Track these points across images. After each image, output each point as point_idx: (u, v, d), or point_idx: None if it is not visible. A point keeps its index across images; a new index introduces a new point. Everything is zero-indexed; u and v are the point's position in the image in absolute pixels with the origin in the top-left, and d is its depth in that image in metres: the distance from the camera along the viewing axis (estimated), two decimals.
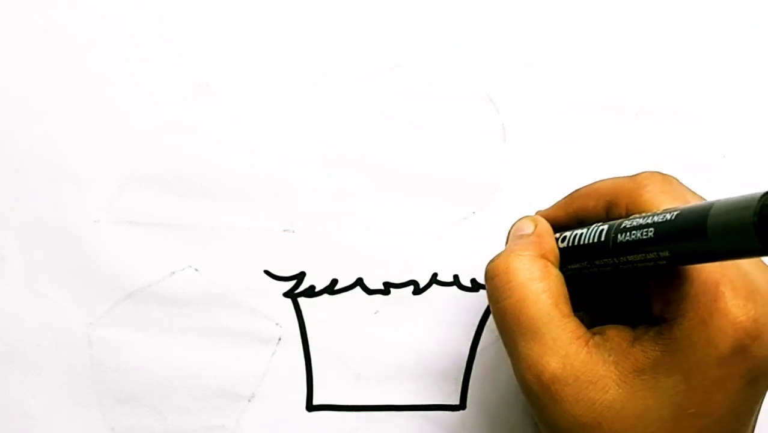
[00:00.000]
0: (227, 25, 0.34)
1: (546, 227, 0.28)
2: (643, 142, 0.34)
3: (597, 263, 0.25)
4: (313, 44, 0.34)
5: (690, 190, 0.26)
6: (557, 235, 0.28)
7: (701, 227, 0.20)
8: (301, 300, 0.34)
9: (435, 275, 0.34)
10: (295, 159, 0.34)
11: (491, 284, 0.26)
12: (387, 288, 0.34)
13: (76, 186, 0.33)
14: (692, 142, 0.34)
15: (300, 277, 0.33)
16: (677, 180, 0.26)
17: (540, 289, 0.25)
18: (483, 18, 0.34)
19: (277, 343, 0.33)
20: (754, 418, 0.25)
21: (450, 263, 0.34)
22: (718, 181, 0.34)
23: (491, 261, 0.26)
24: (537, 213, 0.30)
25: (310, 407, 0.33)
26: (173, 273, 0.33)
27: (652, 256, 0.23)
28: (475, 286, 0.34)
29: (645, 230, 0.23)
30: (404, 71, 0.34)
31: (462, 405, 0.34)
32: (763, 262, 0.25)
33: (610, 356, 0.24)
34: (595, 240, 0.25)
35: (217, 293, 0.33)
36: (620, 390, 0.24)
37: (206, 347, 0.33)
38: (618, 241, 0.24)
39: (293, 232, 0.34)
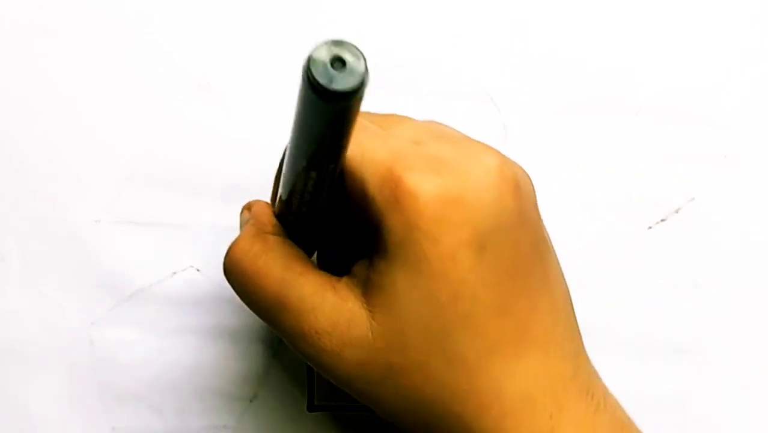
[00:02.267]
0: (227, 25, 0.34)
1: (260, 205, 0.27)
2: (643, 142, 0.34)
3: (294, 202, 0.24)
4: (313, 44, 0.34)
5: None
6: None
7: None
8: None
9: None
10: None
11: (229, 282, 0.26)
12: None
13: (76, 186, 0.33)
14: (692, 142, 0.34)
15: None
16: None
17: (266, 261, 0.24)
18: (483, 18, 0.34)
19: (279, 343, 0.33)
20: (533, 281, 0.23)
21: None
22: (718, 181, 0.34)
23: (223, 263, 0.26)
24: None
25: (312, 407, 0.33)
26: (175, 273, 0.33)
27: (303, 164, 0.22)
28: None
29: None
30: (404, 71, 0.34)
31: None
32: (443, 132, 0.24)
33: (358, 289, 0.24)
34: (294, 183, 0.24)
35: (218, 292, 0.33)
36: (376, 318, 0.23)
37: (208, 347, 0.33)
38: (306, 173, 0.23)
39: None
